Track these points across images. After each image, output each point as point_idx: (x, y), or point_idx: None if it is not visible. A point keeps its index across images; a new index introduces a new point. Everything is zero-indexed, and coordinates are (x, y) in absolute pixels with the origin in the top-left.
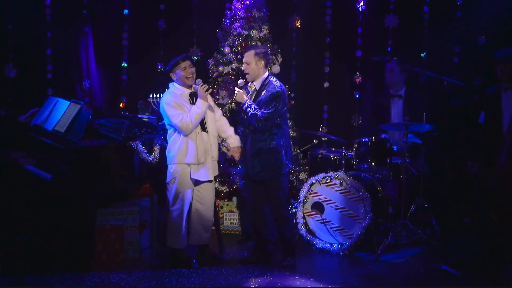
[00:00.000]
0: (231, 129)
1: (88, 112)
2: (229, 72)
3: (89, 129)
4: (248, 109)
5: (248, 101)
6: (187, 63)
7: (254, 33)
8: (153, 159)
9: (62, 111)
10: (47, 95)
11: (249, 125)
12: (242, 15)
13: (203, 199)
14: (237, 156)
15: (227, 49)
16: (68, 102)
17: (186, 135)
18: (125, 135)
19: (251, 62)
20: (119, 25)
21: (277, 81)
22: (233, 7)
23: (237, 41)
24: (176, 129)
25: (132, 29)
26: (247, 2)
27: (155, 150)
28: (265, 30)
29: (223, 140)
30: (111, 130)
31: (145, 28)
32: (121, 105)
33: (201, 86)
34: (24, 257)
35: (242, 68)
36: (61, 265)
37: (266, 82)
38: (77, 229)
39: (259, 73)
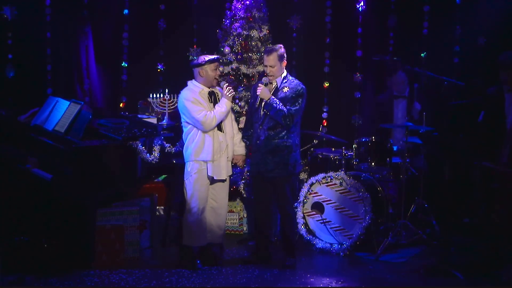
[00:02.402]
0: (239, 136)
1: (88, 112)
2: (229, 72)
3: (89, 129)
4: (275, 105)
5: (272, 98)
6: (218, 65)
7: (254, 33)
8: (153, 159)
9: (62, 111)
10: (47, 95)
11: (263, 122)
12: (242, 15)
13: (217, 197)
14: (240, 164)
15: (227, 49)
16: (68, 102)
17: (205, 131)
18: (125, 135)
19: (276, 65)
20: (119, 25)
21: (297, 79)
22: (233, 7)
23: (237, 41)
24: (196, 126)
25: (132, 29)
26: (247, 2)
27: (155, 150)
28: (265, 30)
29: None
30: (111, 130)
31: (145, 28)
32: (121, 105)
33: (227, 88)
34: (24, 257)
35: (267, 71)
36: (61, 265)
37: (285, 80)
38: (77, 229)
39: (282, 72)
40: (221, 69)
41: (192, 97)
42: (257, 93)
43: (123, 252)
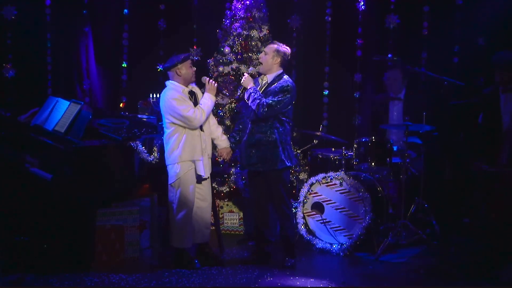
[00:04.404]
0: (219, 130)
1: (88, 112)
2: (229, 72)
3: (89, 129)
4: (253, 94)
5: (254, 87)
6: (191, 62)
7: (254, 33)
8: (153, 159)
9: (62, 111)
10: (47, 95)
11: (249, 115)
12: (242, 15)
13: (204, 195)
14: (226, 157)
15: (227, 49)
16: (68, 102)
17: (195, 128)
18: (125, 135)
19: (268, 54)
20: (119, 25)
21: (290, 79)
22: (233, 7)
23: (237, 41)
24: (185, 123)
25: (132, 29)
26: (247, 2)
27: (155, 150)
28: (265, 30)
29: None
30: (111, 130)
31: (145, 28)
32: (121, 105)
33: (209, 82)
34: (24, 257)
35: (258, 56)
36: (61, 265)
37: (279, 78)
38: (77, 229)
39: (271, 67)
40: (221, 69)
41: (178, 95)
42: (241, 82)
43: (123, 252)
